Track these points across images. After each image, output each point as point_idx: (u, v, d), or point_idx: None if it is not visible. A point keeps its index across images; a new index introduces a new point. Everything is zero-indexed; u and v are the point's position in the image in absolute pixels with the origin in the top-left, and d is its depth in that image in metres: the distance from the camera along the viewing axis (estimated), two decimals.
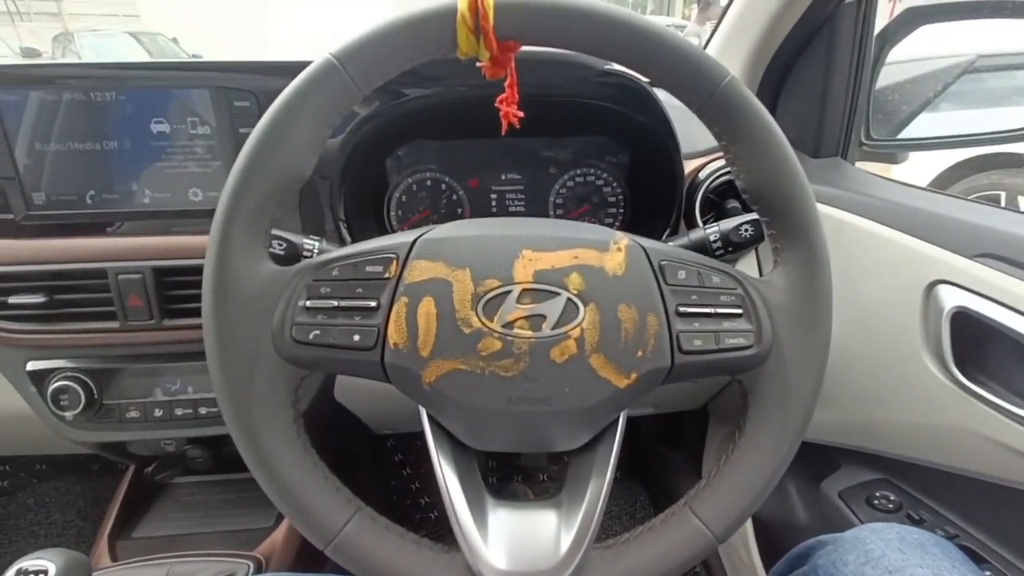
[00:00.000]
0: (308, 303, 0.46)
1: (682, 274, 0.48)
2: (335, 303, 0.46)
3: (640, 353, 0.46)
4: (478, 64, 0.46)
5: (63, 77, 0.73)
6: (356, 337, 0.46)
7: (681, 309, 0.48)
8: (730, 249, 0.67)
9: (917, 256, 0.72)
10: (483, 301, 0.45)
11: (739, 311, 0.48)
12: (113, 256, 0.77)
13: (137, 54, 9.65)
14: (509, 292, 0.45)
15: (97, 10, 14.24)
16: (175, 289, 0.78)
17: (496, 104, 0.50)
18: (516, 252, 0.47)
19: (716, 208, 0.83)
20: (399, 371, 0.46)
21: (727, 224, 0.67)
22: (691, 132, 0.81)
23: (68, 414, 0.81)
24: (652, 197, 0.90)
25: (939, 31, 0.93)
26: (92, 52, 9.54)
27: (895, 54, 0.92)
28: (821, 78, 0.89)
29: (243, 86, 0.74)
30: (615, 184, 0.95)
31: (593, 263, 0.47)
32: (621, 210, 0.96)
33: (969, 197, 2.47)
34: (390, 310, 0.46)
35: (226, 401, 0.46)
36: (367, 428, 1.18)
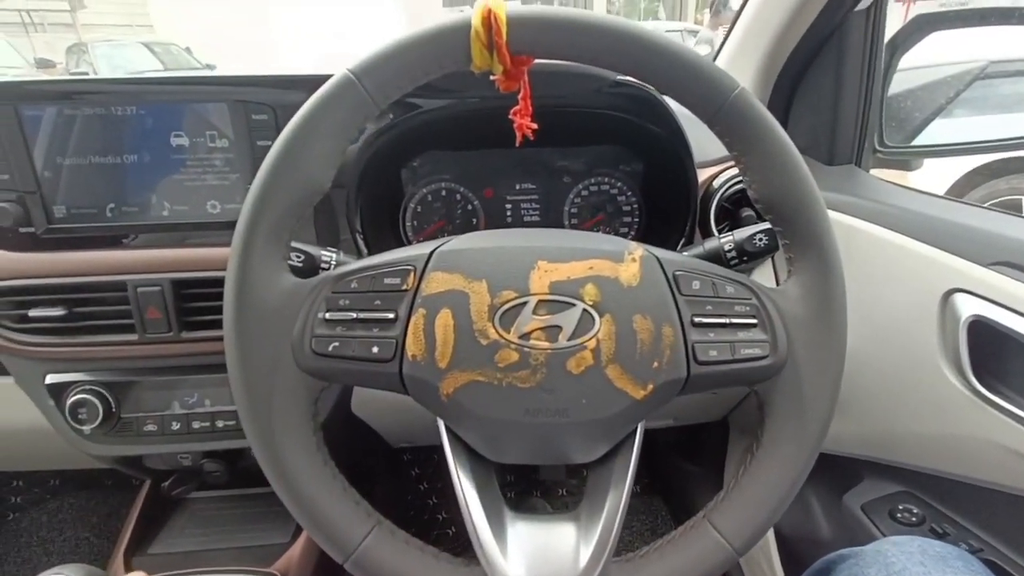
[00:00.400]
0: (327, 315, 0.48)
1: (696, 284, 0.50)
2: (354, 315, 0.48)
3: (656, 364, 0.48)
4: (492, 78, 0.48)
5: (85, 92, 0.76)
6: (375, 349, 0.48)
7: (696, 319, 0.49)
8: (745, 259, 0.69)
9: (933, 264, 0.73)
10: (500, 312, 0.47)
11: (754, 321, 0.50)
12: (132, 268, 0.79)
13: (151, 64, 9.79)
14: (525, 303, 0.47)
15: (111, 21, 14.60)
16: (193, 301, 0.80)
17: (510, 116, 0.52)
18: (532, 263, 0.48)
19: (731, 217, 0.85)
20: (417, 383, 0.48)
21: (741, 233, 0.69)
22: (704, 141, 0.82)
23: (86, 428, 0.83)
24: (667, 206, 0.92)
25: (950, 38, 0.95)
26: (106, 62, 9.65)
27: (906, 60, 0.94)
28: (833, 86, 0.91)
29: (260, 100, 0.77)
30: (629, 193, 0.97)
31: (608, 274, 0.49)
32: (636, 219, 0.98)
33: (988, 203, 2.54)
34: (408, 322, 0.48)
35: (247, 413, 0.48)
36: (384, 441, 1.20)
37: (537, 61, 0.48)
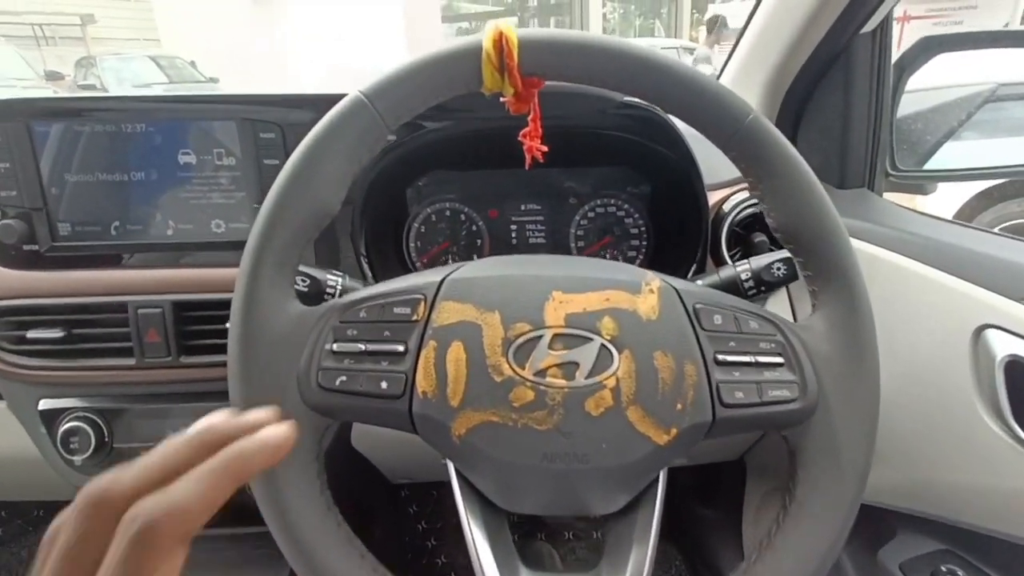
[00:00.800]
0: (335, 346, 0.49)
1: (718, 319, 0.50)
2: (362, 347, 0.48)
3: (679, 406, 0.47)
4: (502, 100, 0.50)
5: (95, 110, 0.79)
6: (384, 384, 0.48)
7: (719, 357, 0.49)
8: (763, 288, 0.68)
9: (961, 298, 0.71)
10: (514, 346, 0.47)
11: (780, 360, 0.49)
12: (133, 289, 0.81)
13: (156, 76, 10.26)
14: (540, 337, 0.47)
15: (120, 35, 15.10)
16: (194, 324, 0.82)
17: (519, 138, 0.54)
18: (546, 294, 0.49)
19: (743, 242, 0.85)
20: (427, 422, 0.48)
21: (758, 262, 0.68)
22: (714, 162, 0.83)
23: (77, 458, 0.83)
24: (676, 230, 0.92)
25: (957, 60, 0.96)
26: (113, 75, 10.08)
27: (913, 82, 0.95)
28: (841, 108, 0.92)
29: (268, 118, 0.79)
30: (637, 215, 0.98)
31: (625, 306, 0.49)
32: (644, 242, 0.99)
33: (999, 227, 2.53)
34: (418, 355, 0.48)
35: None
36: (383, 477, 1.20)
37: (546, 83, 0.50)
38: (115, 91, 9.79)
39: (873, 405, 0.50)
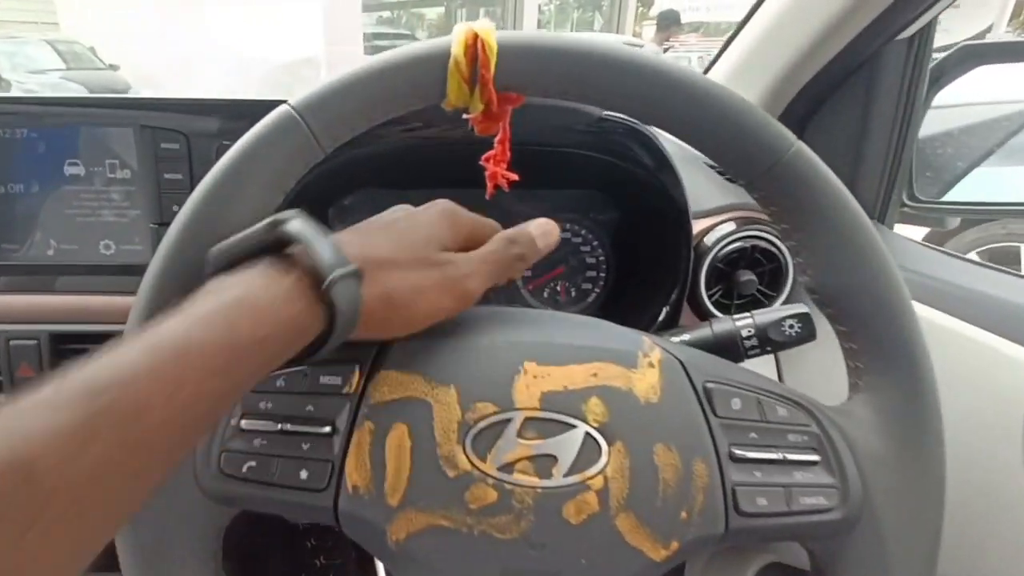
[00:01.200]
0: (244, 423, 0.39)
1: (737, 403, 0.40)
2: (278, 426, 0.38)
3: (684, 514, 0.38)
4: (466, 116, 0.41)
5: None
6: (303, 474, 0.38)
7: (736, 452, 0.39)
8: (767, 348, 0.56)
9: (1012, 365, 0.60)
10: (473, 432, 0.38)
11: (815, 458, 0.40)
12: (6, 317, 0.72)
13: (53, 62, 9.96)
14: (508, 422, 0.38)
15: (17, 18, 14.88)
16: (73, 358, 0.71)
17: (482, 162, 0.45)
18: (516, 365, 0.39)
19: (725, 279, 0.77)
20: (357, 522, 0.38)
21: (764, 317, 0.56)
22: (695, 188, 0.75)
23: None
24: (644, 265, 0.84)
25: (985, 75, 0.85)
26: (7, 60, 9.77)
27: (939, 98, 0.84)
28: (858, 126, 0.80)
29: (171, 125, 0.70)
30: (596, 244, 0.89)
31: (618, 384, 0.39)
32: (602, 275, 0.90)
33: (980, 248, 2.47)
34: (349, 438, 0.38)
35: (127, 552, 0.38)
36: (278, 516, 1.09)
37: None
38: (8, 76, 9.40)
39: (936, 518, 0.40)
